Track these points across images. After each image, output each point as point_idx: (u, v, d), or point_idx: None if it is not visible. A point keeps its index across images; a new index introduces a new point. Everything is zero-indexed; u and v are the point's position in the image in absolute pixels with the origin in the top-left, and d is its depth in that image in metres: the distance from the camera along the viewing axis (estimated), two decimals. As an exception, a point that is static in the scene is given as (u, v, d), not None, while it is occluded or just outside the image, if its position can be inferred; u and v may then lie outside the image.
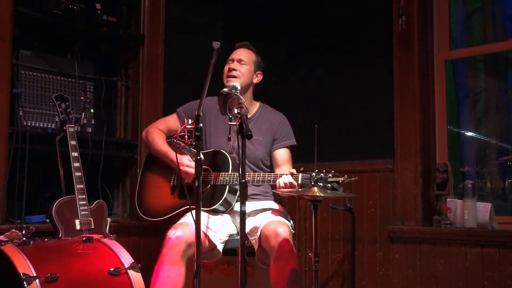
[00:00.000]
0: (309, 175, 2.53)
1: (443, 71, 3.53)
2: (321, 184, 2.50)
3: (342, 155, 3.65)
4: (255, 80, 3.07)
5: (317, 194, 2.39)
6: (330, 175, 2.54)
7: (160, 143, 3.03)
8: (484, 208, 3.16)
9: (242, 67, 3.01)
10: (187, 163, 2.85)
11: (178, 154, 2.74)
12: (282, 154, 3.03)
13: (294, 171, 2.65)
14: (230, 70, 2.99)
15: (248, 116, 2.83)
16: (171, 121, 3.13)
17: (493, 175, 3.75)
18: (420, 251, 3.31)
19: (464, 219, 3.17)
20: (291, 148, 3.08)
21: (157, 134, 3.08)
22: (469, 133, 3.94)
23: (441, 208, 3.30)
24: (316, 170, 2.52)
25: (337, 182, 2.54)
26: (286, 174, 2.64)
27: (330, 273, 3.66)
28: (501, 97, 3.90)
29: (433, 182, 3.38)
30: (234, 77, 2.96)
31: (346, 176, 2.57)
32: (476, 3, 3.99)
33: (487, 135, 3.82)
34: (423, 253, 3.29)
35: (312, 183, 2.49)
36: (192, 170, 2.69)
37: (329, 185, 2.52)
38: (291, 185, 2.61)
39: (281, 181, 2.63)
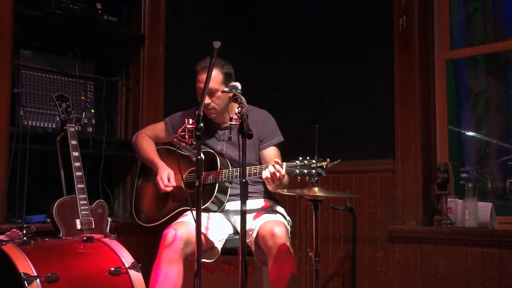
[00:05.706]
0: (293, 163, 2.55)
1: (443, 71, 3.52)
2: (305, 171, 2.53)
3: (342, 155, 3.61)
4: (231, 94, 2.86)
5: (318, 194, 2.39)
6: (313, 161, 2.54)
7: (149, 151, 3.10)
8: (484, 208, 3.16)
9: (213, 97, 2.83)
10: (166, 183, 2.93)
11: (160, 167, 2.96)
12: (270, 153, 2.94)
13: (278, 160, 2.62)
14: (206, 106, 2.80)
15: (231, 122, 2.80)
16: (159, 130, 3.17)
17: (494, 175, 3.76)
18: (421, 251, 3.31)
19: (465, 219, 3.17)
20: (279, 145, 2.99)
21: (145, 141, 3.15)
22: (470, 133, 3.95)
23: (441, 208, 3.29)
24: (300, 158, 2.55)
25: (321, 167, 2.54)
26: (272, 165, 2.60)
27: (330, 273, 3.66)
28: (502, 97, 3.90)
29: (434, 182, 3.37)
30: (212, 112, 2.88)
31: (328, 159, 2.57)
32: (477, 3, 3.99)
33: (488, 135, 3.83)
34: (424, 253, 3.29)
35: (297, 171, 2.53)
36: (169, 189, 2.93)
37: (313, 171, 2.53)
38: (276, 175, 2.58)
39: (266, 172, 2.61)
